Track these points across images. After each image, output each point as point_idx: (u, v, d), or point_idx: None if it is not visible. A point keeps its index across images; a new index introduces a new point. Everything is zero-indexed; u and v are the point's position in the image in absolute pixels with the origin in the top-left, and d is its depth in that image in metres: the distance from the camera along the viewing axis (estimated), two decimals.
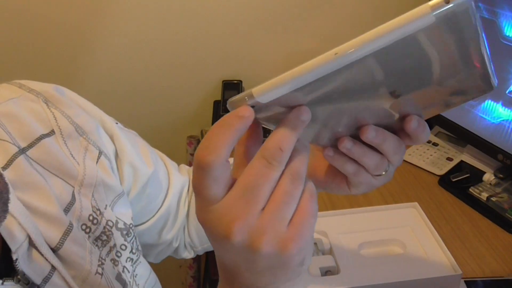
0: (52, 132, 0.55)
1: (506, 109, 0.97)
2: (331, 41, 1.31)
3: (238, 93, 1.27)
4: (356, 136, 0.45)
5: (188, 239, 0.74)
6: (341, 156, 0.46)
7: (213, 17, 1.24)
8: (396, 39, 0.31)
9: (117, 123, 0.64)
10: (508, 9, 0.93)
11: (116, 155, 0.62)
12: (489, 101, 1.01)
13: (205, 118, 1.35)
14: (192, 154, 1.37)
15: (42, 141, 0.53)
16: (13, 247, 0.44)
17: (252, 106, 0.34)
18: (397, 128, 0.46)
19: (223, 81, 1.30)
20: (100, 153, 0.58)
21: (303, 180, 0.36)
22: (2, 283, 0.43)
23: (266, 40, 1.29)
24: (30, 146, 0.52)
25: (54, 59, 1.22)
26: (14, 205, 0.45)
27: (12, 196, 0.46)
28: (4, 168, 0.48)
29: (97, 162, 0.57)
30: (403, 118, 0.44)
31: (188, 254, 0.76)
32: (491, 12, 0.96)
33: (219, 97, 1.30)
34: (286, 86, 0.33)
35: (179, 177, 0.72)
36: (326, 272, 0.82)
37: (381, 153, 0.46)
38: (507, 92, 0.96)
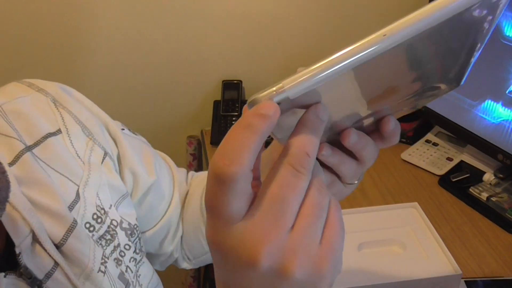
0: (58, 131, 0.55)
1: (506, 109, 0.97)
2: (331, 41, 1.31)
3: (238, 93, 1.28)
4: (332, 142, 0.41)
5: (184, 251, 0.74)
6: None
7: (213, 17, 1.24)
8: (447, 17, 0.29)
9: (123, 129, 0.65)
10: (508, 9, 0.93)
11: (119, 159, 0.62)
12: (489, 101, 1.01)
13: (205, 118, 1.35)
14: (192, 154, 1.37)
15: (48, 140, 0.54)
16: (16, 241, 0.45)
17: (278, 103, 0.30)
18: (369, 131, 0.42)
19: (223, 81, 1.30)
20: (106, 154, 0.59)
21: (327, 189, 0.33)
22: (5, 276, 0.43)
23: (266, 40, 1.29)
24: (36, 144, 0.53)
25: (54, 59, 1.22)
26: (19, 200, 0.46)
27: (18, 191, 0.47)
28: (11, 164, 0.49)
29: (102, 162, 0.58)
30: (378, 119, 0.41)
31: (187, 265, 0.74)
32: None
33: (219, 97, 1.30)
34: (327, 73, 0.29)
35: (185, 188, 0.71)
36: None
37: (356, 159, 0.43)
38: (507, 92, 0.96)
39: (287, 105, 0.30)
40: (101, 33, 1.21)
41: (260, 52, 1.30)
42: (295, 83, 0.29)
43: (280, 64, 1.32)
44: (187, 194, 0.72)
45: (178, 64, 1.29)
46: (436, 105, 1.13)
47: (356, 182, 0.46)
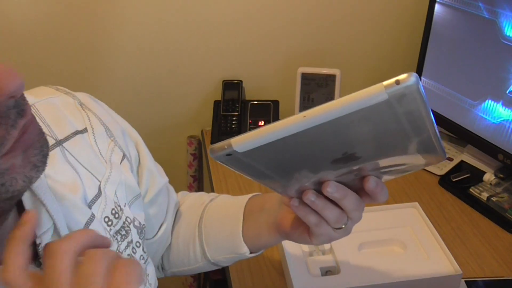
0: (85, 130, 0.59)
1: (506, 109, 0.97)
2: (331, 41, 1.31)
3: (239, 93, 1.29)
4: (320, 191, 0.49)
5: (160, 261, 0.77)
6: (305, 207, 0.52)
7: (213, 17, 1.24)
8: (352, 111, 0.36)
9: None
10: (508, 8, 0.93)
11: (138, 161, 0.67)
12: (490, 101, 1.01)
13: (206, 118, 1.35)
14: (192, 154, 1.37)
15: (77, 136, 0.57)
16: (38, 232, 0.47)
17: (229, 154, 0.39)
18: (358, 187, 0.51)
19: (223, 81, 1.30)
20: (124, 155, 0.63)
21: None
22: None
23: (266, 40, 1.29)
24: (66, 139, 0.56)
25: (56, 59, 1.22)
26: (45, 193, 0.48)
27: (45, 184, 0.49)
28: None
29: (121, 163, 0.62)
30: (362, 178, 0.49)
31: (159, 274, 0.78)
32: (491, 12, 0.96)
33: (219, 97, 1.30)
34: (260, 139, 0.38)
35: (177, 200, 0.77)
36: (327, 272, 0.83)
37: (341, 208, 0.51)
38: (507, 92, 0.96)
39: (243, 156, 0.39)
40: (103, 34, 1.21)
41: (260, 52, 1.30)
42: (238, 142, 0.38)
43: (280, 64, 1.32)
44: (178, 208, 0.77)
45: (179, 64, 1.29)
46: (436, 105, 1.13)
47: (343, 226, 0.54)
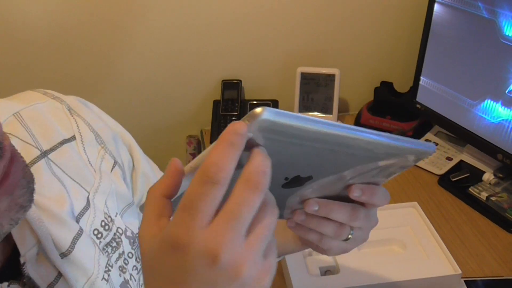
0: (73, 138, 0.56)
1: (506, 108, 0.97)
2: (331, 41, 1.31)
3: (238, 93, 1.29)
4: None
5: None
6: (302, 226, 0.50)
7: (213, 17, 1.24)
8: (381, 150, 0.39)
9: None
10: (508, 8, 0.93)
11: (132, 166, 0.64)
12: (489, 100, 1.01)
13: (205, 118, 1.35)
14: (192, 154, 1.37)
15: (64, 146, 0.55)
16: (22, 251, 0.45)
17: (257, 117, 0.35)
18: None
19: (222, 80, 1.30)
20: (115, 163, 0.60)
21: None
22: (8, 286, 0.44)
23: (266, 40, 1.29)
24: (52, 149, 0.53)
25: (55, 60, 1.22)
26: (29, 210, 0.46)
27: None
28: None
29: (111, 171, 0.59)
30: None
31: None
32: (490, 11, 0.96)
33: (218, 97, 1.30)
34: (290, 117, 0.34)
35: None
36: (326, 271, 0.83)
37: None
38: (506, 91, 0.96)
39: (263, 130, 0.35)
40: (102, 33, 1.21)
41: (259, 52, 1.30)
42: (271, 110, 0.34)
43: (279, 63, 1.32)
44: None
45: (178, 64, 1.29)
46: (436, 105, 1.13)
47: (349, 237, 0.52)
